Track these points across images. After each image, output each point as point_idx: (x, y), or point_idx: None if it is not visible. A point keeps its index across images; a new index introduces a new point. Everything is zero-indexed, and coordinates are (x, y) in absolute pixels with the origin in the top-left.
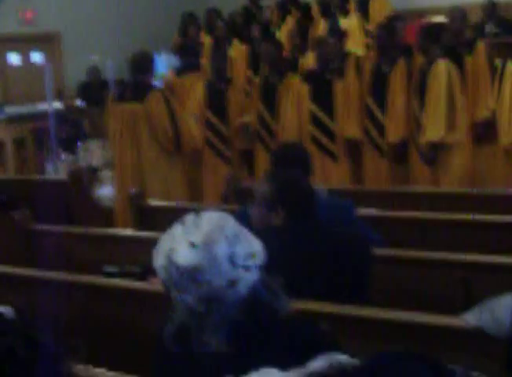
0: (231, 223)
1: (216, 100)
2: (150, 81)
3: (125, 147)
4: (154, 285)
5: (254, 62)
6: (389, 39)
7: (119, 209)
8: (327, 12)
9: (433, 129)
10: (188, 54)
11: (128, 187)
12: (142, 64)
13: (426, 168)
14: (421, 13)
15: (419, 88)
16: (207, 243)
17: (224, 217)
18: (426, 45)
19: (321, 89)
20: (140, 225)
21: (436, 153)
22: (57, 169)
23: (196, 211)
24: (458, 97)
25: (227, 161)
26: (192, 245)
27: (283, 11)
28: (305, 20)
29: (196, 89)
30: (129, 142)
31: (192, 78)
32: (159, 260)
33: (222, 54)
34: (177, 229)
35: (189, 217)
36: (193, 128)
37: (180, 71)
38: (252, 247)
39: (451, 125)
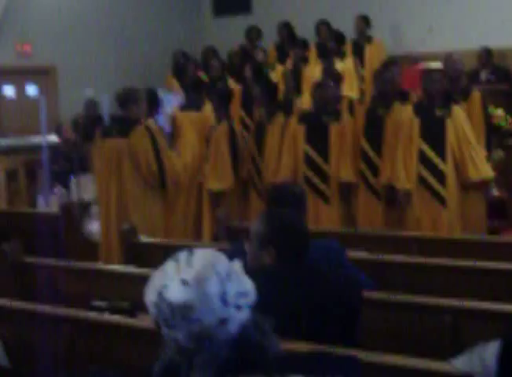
0: (223, 262)
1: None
2: (134, 115)
3: (109, 182)
4: (142, 321)
5: (246, 102)
6: (385, 84)
7: (104, 243)
8: (323, 55)
9: (481, 169)
10: (190, 91)
11: (113, 222)
12: (126, 99)
13: (436, 211)
14: (416, 59)
15: (434, 132)
16: (199, 281)
17: (216, 255)
18: (442, 89)
19: (316, 130)
20: (130, 260)
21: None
22: (49, 202)
23: (189, 249)
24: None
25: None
26: (184, 282)
27: (280, 52)
28: (301, 62)
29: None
30: (114, 177)
31: (194, 114)
32: (150, 296)
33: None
34: (169, 266)
35: (182, 255)
36: (178, 164)
37: (183, 108)
38: (244, 286)
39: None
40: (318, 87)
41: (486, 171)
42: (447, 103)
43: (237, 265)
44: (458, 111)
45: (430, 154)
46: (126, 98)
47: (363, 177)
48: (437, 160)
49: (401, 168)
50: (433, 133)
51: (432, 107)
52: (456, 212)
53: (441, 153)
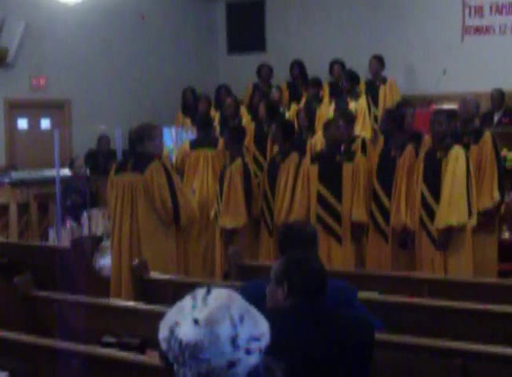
0: (238, 303)
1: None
2: (150, 151)
3: (123, 217)
4: (152, 358)
5: (259, 140)
6: (397, 125)
7: (115, 279)
8: (336, 94)
9: (454, 214)
10: (202, 128)
11: (125, 257)
12: (141, 135)
13: (434, 253)
14: (430, 100)
15: (432, 174)
16: (211, 323)
17: (233, 296)
18: (446, 131)
19: (330, 170)
20: (140, 296)
21: (449, 238)
22: (60, 236)
23: (208, 286)
24: (472, 184)
25: None
26: (196, 322)
27: (292, 90)
28: (314, 101)
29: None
30: (128, 212)
31: (205, 151)
32: (162, 331)
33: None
34: (186, 303)
35: (200, 292)
36: (192, 202)
37: (194, 144)
38: (258, 329)
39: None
40: (328, 126)
41: (451, 217)
42: (450, 144)
43: (254, 308)
44: (458, 153)
45: (428, 196)
46: (141, 134)
47: (372, 217)
48: (432, 203)
49: (404, 207)
50: (432, 175)
51: (435, 150)
52: (467, 255)
53: (436, 195)
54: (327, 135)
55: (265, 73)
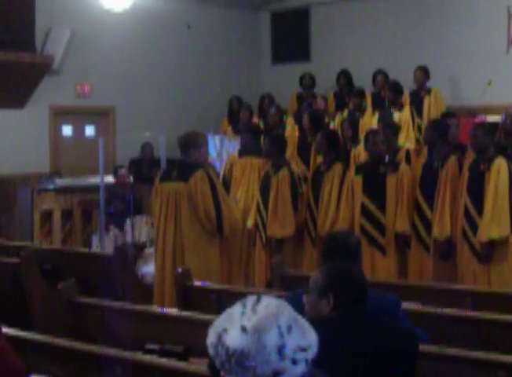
0: (287, 313)
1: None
2: (195, 160)
3: (167, 225)
4: (195, 366)
5: (303, 150)
6: (440, 136)
7: (158, 286)
8: (379, 105)
9: (496, 227)
10: (251, 136)
11: (168, 265)
12: (186, 143)
13: (477, 266)
14: (474, 112)
15: (475, 186)
16: (258, 331)
17: (282, 306)
18: (483, 144)
19: (374, 181)
20: (183, 304)
21: (492, 251)
22: (103, 243)
23: (258, 294)
24: None
25: None
26: (244, 329)
27: (340, 100)
28: (357, 111)
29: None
30: (172, 220)
31: (252, 159)
32: (210, 337)
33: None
34: (235, 310)
35: (250, 300)
36: (235, 211)
37: (242, 152)
38: (305, 340)
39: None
40: (367, 139)
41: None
42: (493, 156)
43: (303, 319)
44: (500, 165)
45: (471, 208)
46: (186, 142)
47: (415, 228)
48: (475, 215)
49: (448, 219)
50: (475, 187)
51: (479, 162)
52: (510, 267)
53: (478, 206)
54: (367, 147)
55: (307, 82)
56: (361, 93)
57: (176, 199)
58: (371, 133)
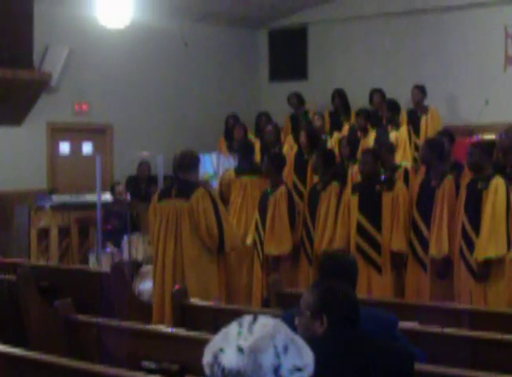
0: (284, 333)
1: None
2: (194, 179)
3: (167, 243)
4: None
5: (299, 168)
6: (436, 154)
7: (157, 304)
8: (375, 124)
9: (493, 246)
10: (244, 155)
11: (167, 283)
12: (186, 163)
13: (473, 285)
14: (471, 131)
15: (472, 204)
16: (254, 351)
17: (278, 325)
18: (480, 163)
19: (369, 199)
20: (180, 322)
21: (489, 270)
22: (100, 260)
23: (255, 314)
24: None
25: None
26: (240, 350)
27: (335, 119)
28: (360, 131)
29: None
30: (171, 238)
31: (250, 178)
32: (206, 356)
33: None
34: (231, 329)
35: (246, 319)
36: (235, 228)
37: (238, 171)
38: (302, 359)
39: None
40: (364, 156)
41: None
42: (490, 175)
43: (299, 338)
44: (498, 184)
45: (468, 227)
46: (185, 163)
47: (411, 247)
48: (472, 234)
49: (446, 238)
50: (473, 205)
51: (476, 180)
52: (506, 286)
53: (476, 226)
54: (360, 168)
55: (294, 101)
56: (366, 114)
57: (176, 217)
58: (362, 153)
